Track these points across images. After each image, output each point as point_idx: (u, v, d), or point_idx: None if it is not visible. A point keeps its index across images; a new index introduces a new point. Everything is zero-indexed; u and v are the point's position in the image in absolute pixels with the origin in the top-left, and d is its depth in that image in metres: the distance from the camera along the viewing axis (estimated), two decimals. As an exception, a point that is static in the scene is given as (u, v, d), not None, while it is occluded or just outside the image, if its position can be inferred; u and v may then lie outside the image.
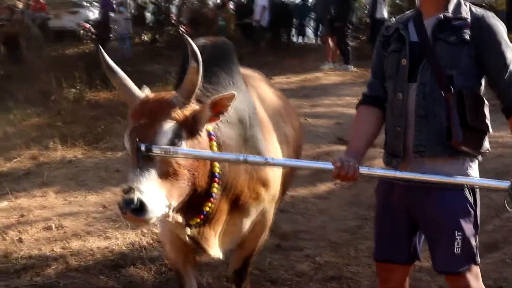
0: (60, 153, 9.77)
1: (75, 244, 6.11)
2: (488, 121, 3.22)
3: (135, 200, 2.79)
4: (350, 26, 16.12)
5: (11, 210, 7.30)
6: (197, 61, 3.07)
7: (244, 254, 4.17)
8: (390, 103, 3.36)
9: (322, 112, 11.50)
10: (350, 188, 7.19)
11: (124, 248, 5.95)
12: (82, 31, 25.47)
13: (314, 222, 6.58)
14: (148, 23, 26.27)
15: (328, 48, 16.59)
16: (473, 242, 3.27)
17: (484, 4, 14.54)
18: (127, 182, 2.88)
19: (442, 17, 3.20)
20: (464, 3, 3.28)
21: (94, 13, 25.17)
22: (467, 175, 3.24)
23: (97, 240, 6.20)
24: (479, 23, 3.18)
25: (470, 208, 3.24)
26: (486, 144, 3.26)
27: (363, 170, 3.15)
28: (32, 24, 18.44)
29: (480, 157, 3.31)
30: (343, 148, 8.04)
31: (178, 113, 3.10)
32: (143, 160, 2.92)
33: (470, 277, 3.26)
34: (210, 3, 27.33)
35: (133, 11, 26.14)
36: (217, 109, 3.21)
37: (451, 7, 3.24)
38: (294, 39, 23.51)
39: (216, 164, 3.34)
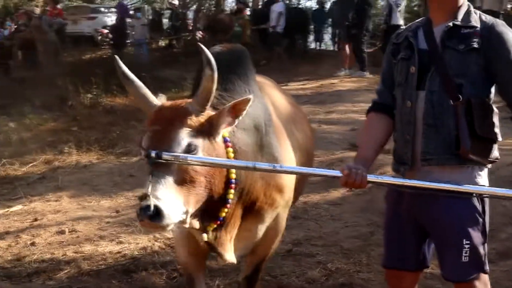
0: (75, 158, 9.85)
1: (88, 248, 6.14)
2: (497, 130, 3.20)
3: (152, 206, 2.79)
4: (367, 33, 16.10)
5: (25, 214, 7.37)
6: (211, 69, 3.07)
7: (256, 260, 4.14)
8: (399, 110, 3.36)
9: (337, 119, 11.47)
10: (363, 194, 7.16)
11: (136, 253, 5.97)
12: (99, 37, 25.62)
13: (326, 228, 6.55)
14: (165, 29, 26.32)
15: (345, 54, 16.57)
16: (482, 251, 3.25)
17: (502, 12, 14.42)
18: (144, 189, 2.89)
19: (451, 25, 3.19)
20: (474, 11, 3.27)
21: (111, 19, 25.25)
22: (476, 183, 3.22)
23: (109, 245, 6.23)
24: (488, 32, 3.16)
25: (478, 216, 3.23)
26: (496, 153, 3.24)
27: (371, 177, 3.14)
28: (49, 29, 18.49)
29: (489, 165, 3.30)
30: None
31: (194, 121, 3.11)
32: (159, 167, 2.94)
33: (478, 285, 3.26)
34: (227, 9, 27.38)
35: (150, 17, 26.17)
36: (234, 113, 3.23)
37: (460, 15, 3.23)
38: (312, 45, 23.52)
39: (233, 170, 3.35)
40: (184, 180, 3.01)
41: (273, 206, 3.81)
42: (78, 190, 8.29)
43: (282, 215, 4.02)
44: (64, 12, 25.03)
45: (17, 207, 7.65)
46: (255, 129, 3.62)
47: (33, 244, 6.31)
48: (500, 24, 3.21)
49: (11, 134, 11.57)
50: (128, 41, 22.98)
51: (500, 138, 3.22)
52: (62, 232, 6.64)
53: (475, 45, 3.14)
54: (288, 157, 3.95)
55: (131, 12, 25.27)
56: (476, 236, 3.22)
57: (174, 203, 2.93)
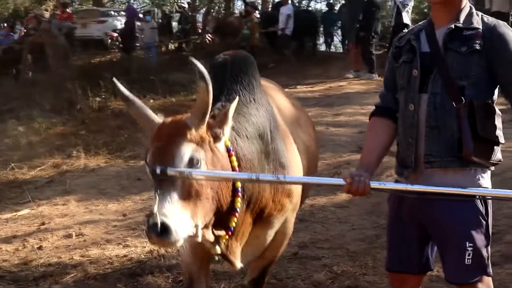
0: (83, 161, 9.89)
1: (94, 252, 6.17)
2: (500, 132, 3.18)
3: (159, 223, 2.80)
4: (375, 36, 16.09)
5: (33, 218, 7.41)
6: (205, 82, 3.03)
7: (263, 264, 4.15)
8: (401, 114, 3.35)
9: (345, 121, 11.46)
10: (369, 197, 7.11)
11: (143, 256, 5.98)
12: (109, 40, 25.70)
13: (333, 231, 6.55)
14: (174, 32, 26.36)
15: (353, 56, 16.56)
16: (485, 253, 3.23)
17: (511, 13, 14.33)
18: (151, 206, 2.91)
19: (453, 27, 3.18)
20: (476, 12, 3.25)
21: (121, 22, 25.30)
22: (479, 185, 3.20)
23: (116, 248, 6.25)
24: (490, 33, 3.14)
25: (481, 218, 3.21)
26: (498, 155, 3.22)
27: (374, 184, 3.13)
28: (59, 33, 18.56)
29: (492, 168, 3.29)
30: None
31: (193, 135, 3.10)
32: (164, 183, 2.95)
33: (481, 288, 3.25)
34: (236, 11, 27.41)
35: (159, 20, 26.22)
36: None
37: (462, 17, 3.21)
38: (322, 47, 23.53)
39: None
40: (189, 194, 3.01)
41: (282, 211, 3.80)
42: (86, 193, 8.32)
43: (290, 219, 4.02)
44: (74, 16, 25.17)
45: (25, 211, 7.69)
46: (259, 138, 3.61)
47: (40, 248, 6.34)
48: (502, 25, 3.19)
49: (20, 138, 11.62)
50: (137, 44, 23.03)
51: (503, 141, 3.20)
52: (69, 236, 6.67)
53: (477, 47, 3.12)
54: (295, 161, 3.95)
55: (140, 15, 25.36)
56: (479, 238, 3.20)
57: (181, 218, 2.93)
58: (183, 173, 2.97)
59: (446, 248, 3.27)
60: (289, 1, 21.50)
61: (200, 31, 25.68)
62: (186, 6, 26.24)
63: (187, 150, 3.05)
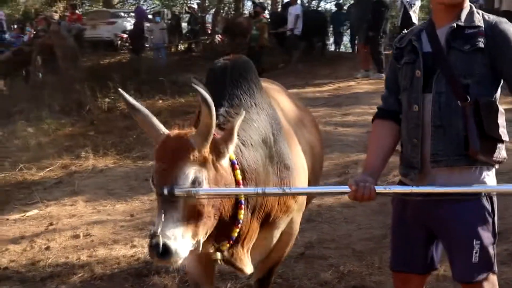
0: (92, 162, 9.91)
1: (102, 252, 6.18)
2: (503, 129, 3.17)
3: (160, 245, 2.85)
4: (384, 35, 16.07)
5: (41, 219, 7.42)
6: (208, 106, 3.04)
7: (269, 264, 4.15)
8: (405, 115, 3.33)
9: (353, 121, 11.43)
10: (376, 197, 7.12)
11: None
12: (119, 41, 25.78)
13: (340, 230, 6.53)
14: (183, 33, 26.41)
15: (362, 56, 16.55)
16: (491, 251, 3.23)
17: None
18: (154, 226, 2.95)
19: (455, 26, 3.17)
20: (477, 11, 3.25)
21: (131, 24, 25.36)
22: (484, 183, 3.20)
23: (123, 249, 6.26)
24: (492, 30, 3.14)
25: (488, 216, 3.21)
26: (504, 153, 3.22)
27: (379, 189, 3.13)
28: (68, 35, 18.64)
29: (497, 166, 3.28)
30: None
31: (197, 156, 3.10)
32: (168, 204, 2.99)
33: (487, 286, 3.23)
34: (246, 12, 27.43)
35: (169, 21, 26.28)
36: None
37: (463, 15, 3.20)
38: (332, 47, 23.50)
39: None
40: (192, 214, 3.04)
41: (288, 212, 3.82)
42: (94, 194, 8.33)
43: (296, 219, 4.03)
44: (84, 17, 25.25)
45: (33, 212, 7.71)
46: (262, 143, 3.62)
47: (47, 248, 6.36)
48: (504, 22, 3.18)
49: (29, 139, 11.67)
50: (147, 45, 23.09)
51: (507, 138, 3.19)
52: (76, 236, 6.69)
53: (480, 45, 3.11)
54: (299, 162, 3.96)
55: (150, 16, 25.41)
56: (486, 236, 3.20)
57: (182, 239, 2.97)
58: (191, 192, 3.01)
59: (454, 248, 3.26)
60: (298, 1, 21.50)
61: (209, 31, 25.75)
62: (196, 7, 26.35)
63: (191, 171, 3.06)
